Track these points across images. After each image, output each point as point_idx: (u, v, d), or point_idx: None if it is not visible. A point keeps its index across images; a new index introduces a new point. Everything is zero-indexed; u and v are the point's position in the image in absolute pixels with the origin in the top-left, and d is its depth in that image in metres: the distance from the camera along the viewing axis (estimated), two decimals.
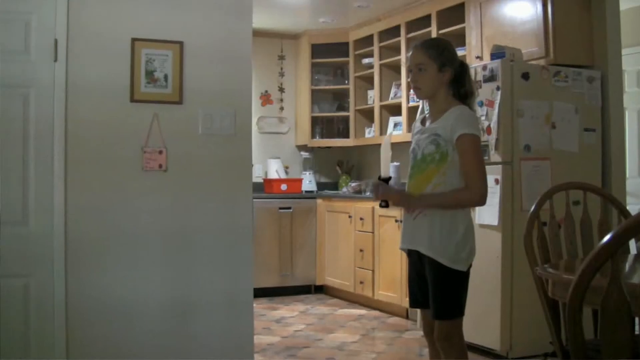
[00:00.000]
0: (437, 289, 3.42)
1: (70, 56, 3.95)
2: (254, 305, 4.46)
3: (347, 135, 8.86)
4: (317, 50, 8.91)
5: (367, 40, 8.40)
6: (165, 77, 4.14)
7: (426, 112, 3.77)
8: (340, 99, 9.16)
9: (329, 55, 8.89)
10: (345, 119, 8.92)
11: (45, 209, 3.88)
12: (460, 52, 6.52)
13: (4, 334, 3.75)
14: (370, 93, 8.52)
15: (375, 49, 8.24)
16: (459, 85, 3.56)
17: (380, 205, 3.66)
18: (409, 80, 3.67)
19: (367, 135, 8.56)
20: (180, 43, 4.18)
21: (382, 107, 8.23)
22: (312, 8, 7.85)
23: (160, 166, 4.14)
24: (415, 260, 3.55)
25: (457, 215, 3.43)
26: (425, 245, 3.43)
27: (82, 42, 3.99)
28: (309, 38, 8.86)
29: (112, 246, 4.05)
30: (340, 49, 8.79)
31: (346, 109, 8.91)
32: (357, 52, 8.66)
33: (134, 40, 4.09)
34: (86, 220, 3.99)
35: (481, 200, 3.44)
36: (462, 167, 3.41)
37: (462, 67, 3.59)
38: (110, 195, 4.05)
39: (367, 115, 8.64)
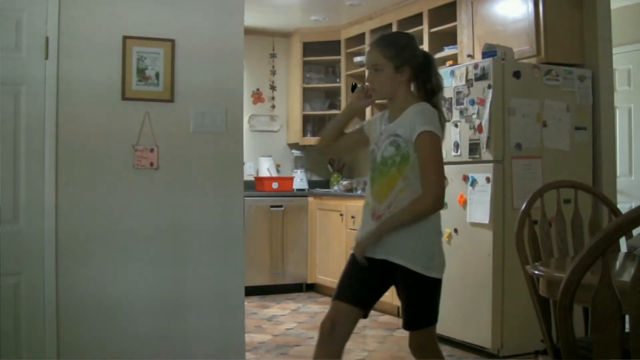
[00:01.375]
0: (413, 298, 3.26)
1: (62, 54, 3.94)
2: (246, 303, 4.47)
3: None
4: (309, 48, 8.90)
5: (359, 39, 8.39)
6: (157, 75, 4.13)
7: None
8: (331, 97, 9.15)
9: (321, 54, 8.88)
10: None
11: (36, 207, 3.87)
12: (451, 51, 6.59)
13: None
14: None
15: (367, 47, 8.21)
16: (424, 81, 3.36)
17: (352, 90, 3.56)
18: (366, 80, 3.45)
19: None
20: (172, 41, 4.18)
21: (373, 105, 8.20)
22: (304, 6, 7.84)
23: (151, 164, 4.13)
24: (378, 267, 3.28)
25: (425, 220, 3.23)
26: (397, 255, 3.23)
27: (73, 39, 3.98)
28: (301, 36, 8.85)
29: (103, 244, 4.04)
30: (332, 47, 8.78)
31: (338, 107, 8.91)
32: (348, 50, 8.65)
33: (125, 38, 4.08)
34: (77, 218, 3.98)
35: (436, 204, 3.20)
36: (419, 168, 3.21)
37: (426, 60, 3.37)
38: (101, 194, 4.05)
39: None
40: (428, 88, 3.35)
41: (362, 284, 3.35)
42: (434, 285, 3.26)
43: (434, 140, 3.21)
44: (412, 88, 3.39)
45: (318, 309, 7.28)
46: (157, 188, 4.16)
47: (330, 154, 3.69)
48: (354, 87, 3.59)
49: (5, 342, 3.78)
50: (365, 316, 3.38)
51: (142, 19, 4.15)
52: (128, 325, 4.08)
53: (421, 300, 3.28)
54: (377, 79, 3.35)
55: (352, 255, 3.38)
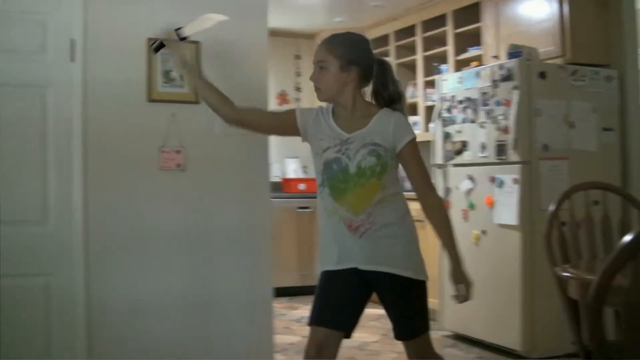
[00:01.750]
0: (408, 305, 3.11)
1: (87, 56, 3.96)
2: (274, 304, 4.47)
3: None
4: None
5: (383, 40, 8.36)
6: (182, 76, 4.14)
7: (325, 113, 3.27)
8: None
9: None
10: None
11: (65, 208, 3.89)
12: (476, 52, 6.57)
13: (25, 332, 3.77)
14: None
15: (391, 48, 8.21)
16: (380, 88, 3.18)
17: (156, 49, 3.73)
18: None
19: None
20: (197, 43, 4.18)
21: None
22: (328, 8, 7.84)
23: (178, 165, 4.14)
24: (353, 282, 3.13)
25: (407, 225, 3.15)
26: (385, 263, 3.08)
27: (99, 42, 4.00)
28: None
29: (131, 245, 4.06)
30: None
31: None
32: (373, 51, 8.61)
33: (150, 40, 4.10)
34: (105, 219, 3.99)
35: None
36: (413, 173, 3.12)
37: (381, 67, 3.20)
38: (128, 195, 4.06)
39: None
40: (385, 96, 3.18)
41: (339, 307, 3.15)
42: (424, 289, 3.15)
43: (417, 146, 3.14)
44: (361, 93, 3.21)
45: None
46: (184, 189, 4.17)
47: (245, 126, 3.47)
48: (158, 48, 3.82)
49: (36, 342, 3.80)
50: (348, 336, 3.16)
51: (166, 21, 4.15)
52: (157, 325, 4.10)
53: (416, 306, 3.14)
54: (322, 77, 3.15)
55: (324, 275, 3.20)
